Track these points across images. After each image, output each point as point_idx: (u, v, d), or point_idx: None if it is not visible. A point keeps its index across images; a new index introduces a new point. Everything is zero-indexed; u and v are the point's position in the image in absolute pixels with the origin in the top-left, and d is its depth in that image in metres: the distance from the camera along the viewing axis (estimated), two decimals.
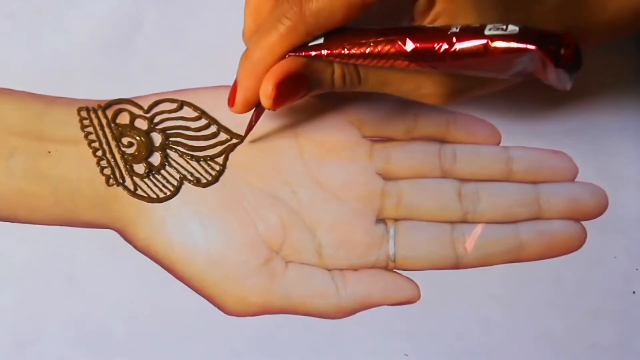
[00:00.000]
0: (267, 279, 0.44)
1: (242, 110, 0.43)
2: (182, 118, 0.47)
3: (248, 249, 0.44)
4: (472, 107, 0.48)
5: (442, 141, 0.47)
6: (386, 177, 0.46)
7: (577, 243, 0.46)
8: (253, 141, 0.46)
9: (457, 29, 0.39)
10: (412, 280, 0.44)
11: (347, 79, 0.42)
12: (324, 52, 0.41)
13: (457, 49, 0.38)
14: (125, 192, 0.45)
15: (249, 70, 0.42)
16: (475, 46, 0.38)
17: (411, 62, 0.39)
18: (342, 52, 0.40)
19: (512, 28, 0.38)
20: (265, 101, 0.41)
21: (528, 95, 0.47)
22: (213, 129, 0.47)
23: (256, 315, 0.43)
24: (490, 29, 0.38)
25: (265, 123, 0.46)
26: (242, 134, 0.46)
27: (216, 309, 0.43)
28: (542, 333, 0.43)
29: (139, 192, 0.45)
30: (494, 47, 0.38)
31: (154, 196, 0.45)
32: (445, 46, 0.39)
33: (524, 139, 0.47)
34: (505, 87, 0.43)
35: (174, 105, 0.47)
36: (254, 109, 0.44)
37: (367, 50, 0.40)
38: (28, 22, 0.49)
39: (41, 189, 0.44)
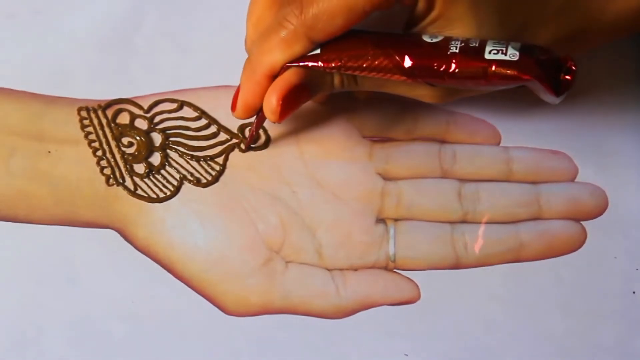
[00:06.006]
0: (267, 279, 0.44)
1: (243, 115, 0.43)
2: (182, 118, 0.47)
3: (248, 249, 0.44)
4: (472, 107, 0.48)
5: (442, 141, 0.47)
6: (386, 177, 0.46)
7: (577, 243, 0.46)
8: (253, 142, 0.46)
9: (456, 48, 0.38)
10: (412, 280, 0.44)
11: (345, 83, 0.42)
12: (320, 63, 0.40)
13: (455, 71, 0.38)
14: (125, 192, 0.45)
15: (249, 75, 0.42)
16: (474, 69, 0.38)
17: (408, 77, 0.39)
18: (339, 64, 0.40)
19: (512, 52, 0.37)
20: (271, 116, 0.41)
21: (528, 95, 0.47)
22: (213, 129, 0.47)
23: (256, 315, 0.43)
24: (490, 52, 0.38)
25: (265, 123, 0.46)
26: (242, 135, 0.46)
27: (216, 309, 0.43)
28: (542, 333, 0.43)
29: (139, 192, 0.45)
30: (493, 72, 0.38)
31: (154, 196, 0.45)
32: (443, 67, 0.38)
33: (524, 139, 0.47)
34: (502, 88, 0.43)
35: (174, 105, 0.47)
36: (255, 118, 0.44)
37: (364, 65, 0.40)
38: (28, 22, 0.49)
39: (41, 189, 0.44)
